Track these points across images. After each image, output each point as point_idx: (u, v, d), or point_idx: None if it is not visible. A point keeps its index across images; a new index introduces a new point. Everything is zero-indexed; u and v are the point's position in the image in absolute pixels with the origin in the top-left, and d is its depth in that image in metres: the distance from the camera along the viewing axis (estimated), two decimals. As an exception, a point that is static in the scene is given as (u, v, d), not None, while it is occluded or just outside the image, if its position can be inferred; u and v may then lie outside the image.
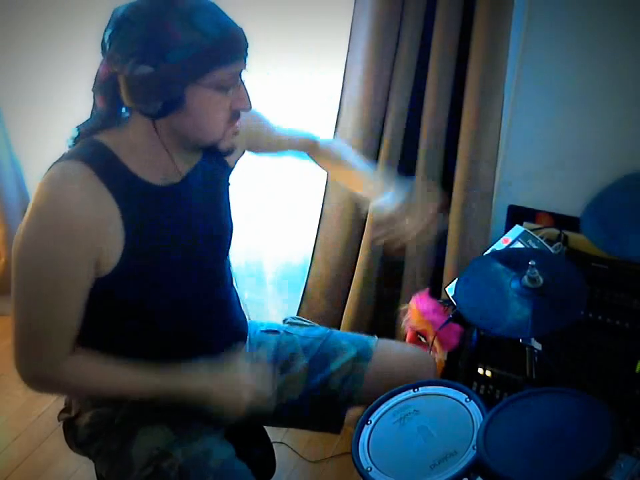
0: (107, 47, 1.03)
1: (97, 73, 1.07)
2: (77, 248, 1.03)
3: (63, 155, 1.07)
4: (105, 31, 1.04)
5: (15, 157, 2.51)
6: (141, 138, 1.07)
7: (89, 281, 1.07)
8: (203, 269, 1.22)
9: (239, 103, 1.07)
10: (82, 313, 1.09)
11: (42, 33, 2.24)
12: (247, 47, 1.04)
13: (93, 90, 1.09)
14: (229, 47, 1.01)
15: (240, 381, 1.17)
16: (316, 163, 1.50)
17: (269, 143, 1.40)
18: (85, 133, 1.10)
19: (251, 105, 1.09)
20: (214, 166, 1.24)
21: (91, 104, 1.11)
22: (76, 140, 1.11)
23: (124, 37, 1.00)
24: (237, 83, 1.06)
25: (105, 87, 1.05)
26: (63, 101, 2.28)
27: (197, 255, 1.19)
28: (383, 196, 1.29)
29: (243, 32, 1.04)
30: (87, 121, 1.11)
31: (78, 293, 1.07)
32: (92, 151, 1.06)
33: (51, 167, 1.06)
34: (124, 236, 1.06)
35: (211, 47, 0.99)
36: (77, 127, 1.11)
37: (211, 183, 1.23)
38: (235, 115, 1.08)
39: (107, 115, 1.08)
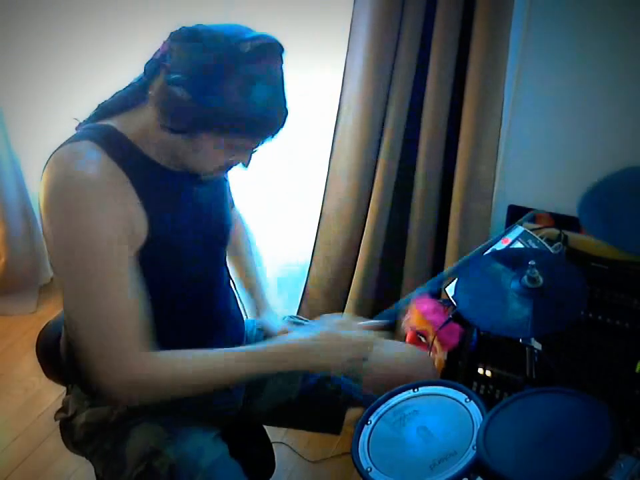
0: (175, 41, 1.01)
1: (160, 48, 1.05)
2: (107, 212, 1.00)
3: (67, 139, 1.07)
4: (183, 28, 1.02)
5: (15, 157, 2.51)
6: (152, 123, 1.07)
7: (131, 250, 1.04)
8: (204, 261, 1.22)
9: (239, 158, 1.09)
10: (141, 294, 1.04)
11: (42, 33, 2.24)
12: (280, 129, 1.05)
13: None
14: (262, 128, 1.04)
15: (339, 336, 1.16)
16: None
17: None
18: (96, 116, 1.11)
19: (248, 165, 1.11)
20: None
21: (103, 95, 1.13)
22: (88, 119, 1.12)
23: (187, 51, 0.99)
24: (249, 146, 1.08)
25: (152, 63, 1.04)
26: (63, 101, 2.28)
27: (201, 244, 1.19)
28: (269, 313, 1.36)
29: (286, 115, 1.04)
30: (114, 95, 1.12)
31: (126, 264, 1.02)
32: (98, 131, 1.07)
33: (56, 150, 1.05)
34: (144, 207, 1.06)
35: (247, 120, 1.00)
36: (100, 103, 1.13)
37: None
38: (230, 165, 1.11)
39: (134, 89, 1.09)
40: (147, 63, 1.05)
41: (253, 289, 1.41)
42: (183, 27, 1.01)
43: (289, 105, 1.05)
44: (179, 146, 1.06)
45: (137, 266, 1.05)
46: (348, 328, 1.19)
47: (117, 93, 1.13)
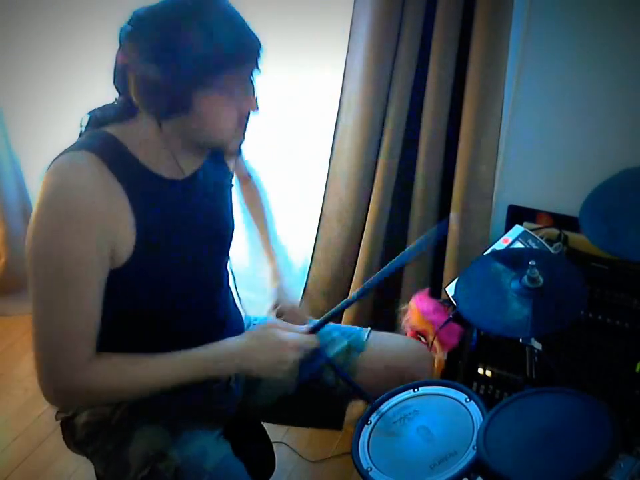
0: (124, 39, 1.02)
1: (115, 62, 1.05)
2: (90, 235, 1.01)
3: (70, 146, 1.07)
4: (124, 25, 1.02)
5: (15, 157, 2.51)
6: (150, 132, 1.07)
7: (104, 271, 1.05)
8: (205, 268, 1.22)
9: (247, 105, 1.07)
10: (100, 311, 1.06)
11: (42, 33, 2.25)
12: (260, 52, 1.04)
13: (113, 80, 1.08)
14: (241, 56, 1.02)
15: (281, 338, 1.15)
16: (241, 196, 1.52)
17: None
18: (96, 122, 1.10)
19: (258, 106, 1.09)
20: (218, 167, 1.25)
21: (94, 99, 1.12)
22: (87, 127, 1.11)
23: (140, 36, 0.99)
24: (244, 85, 1.06)
25: (118, 77, 1.05)
26: (62, 101, 2.29)
27: (200, 254, 1.19)
28: (282, 281, 1.38)
29: (258, 38, 1.04)
30: (103, 107, 1.12)
31: (95, 285, 1.04)
32: (99, 141, 1.06)
33: (57, 158, 1.05)
34: (135, 225, 1.06)
35: (224, 57, 0.99)
36: (90, 112, 1.12)
37: (215, 183, 1.23)
38: (243, 117, 1.08)
39: (121, 105, 1.09)
40: (113, 75, 1.05)
41: (268, 259, 1.43)
42: (122, 25, 1.02)
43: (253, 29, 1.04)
44: (188, 128, 1.05)
45: (125, 277, 1.07)
46: (286, 329, 1.19)
47: (104, 105, 1.12)
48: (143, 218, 1.07)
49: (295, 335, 1.18)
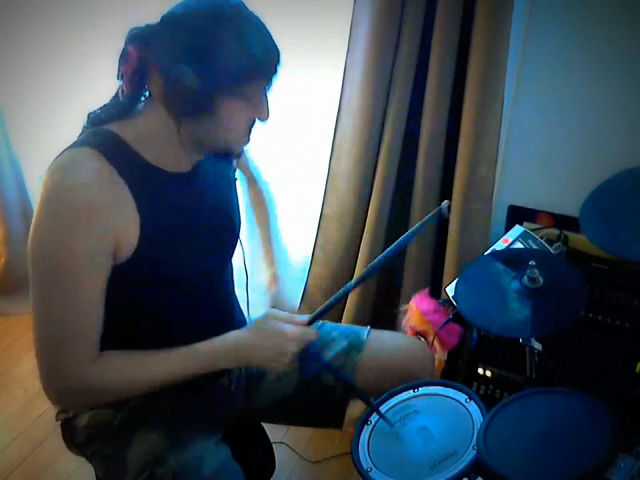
0: (150, 37, 1.02)
1: (124, 58, 1.05)
2: (92, 233, 1.00)
3: (70, 144, 1.07)
4: (153, 23, 1.04)
5: (15, 157, 2.51)
6: (156, 127, 1.08)
7: (106, 270, 1.04)
8: (209, 264, 1.21)
9: (260, 113, 1.10)
10: (102, 311, 1.06)
11: (42, 33, 2.24)
12: (279, 64, 1.08)
13: (118, 76, 1.08)
14: (267, 70, 1.06)
15: (282, 330, 1.14)
16: (247, 197, 1.52)
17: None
18: (96, 121, 1.10)
19: (269, 114, 1.11)
20: (220, 160, 1.25)
21: (96, 97, 1.12)
22: (87, 126, 1.11)
23: (173, 36, 1.01)
24: (263, 93, 1.10)
25: (136, 73, 1.05)
26: (62, 101, 2.29)
27: (205, 248, 1.19)
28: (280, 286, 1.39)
29: (280, 53, 1.07)
30: (103, 106, 1.11)
31: (96, 284, 1.04)
32: (100, 137, 1.07)
33: (58, 155, 1.05)
34: (138, 219, 1.05)
35: (253, 68, 1.02)
36: (90, 113, 1.12)
37: (219, 176, 1.24)
38: (252, 124, 1.11)
39: (127, 101, 1.09)
40: (126, 72, 1.05)
41: (267, 264, 1.44)
42: (148, 24, 1.03)
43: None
44: (203, 128, 1.07)
45: (127, 272, 1.06)
46: (284, 321, 1.17)
47: (106, 104, 1.12)
48: (147, 212, 1.06)
49: (295, 327, 1.16)
